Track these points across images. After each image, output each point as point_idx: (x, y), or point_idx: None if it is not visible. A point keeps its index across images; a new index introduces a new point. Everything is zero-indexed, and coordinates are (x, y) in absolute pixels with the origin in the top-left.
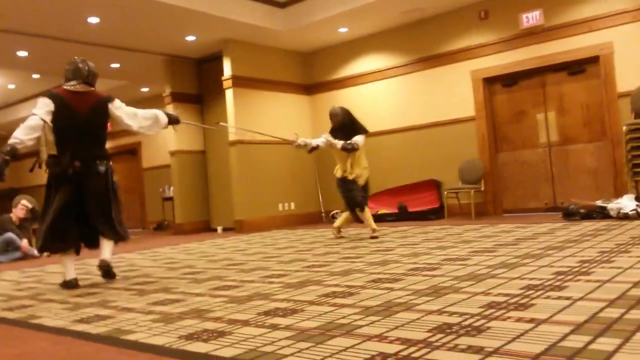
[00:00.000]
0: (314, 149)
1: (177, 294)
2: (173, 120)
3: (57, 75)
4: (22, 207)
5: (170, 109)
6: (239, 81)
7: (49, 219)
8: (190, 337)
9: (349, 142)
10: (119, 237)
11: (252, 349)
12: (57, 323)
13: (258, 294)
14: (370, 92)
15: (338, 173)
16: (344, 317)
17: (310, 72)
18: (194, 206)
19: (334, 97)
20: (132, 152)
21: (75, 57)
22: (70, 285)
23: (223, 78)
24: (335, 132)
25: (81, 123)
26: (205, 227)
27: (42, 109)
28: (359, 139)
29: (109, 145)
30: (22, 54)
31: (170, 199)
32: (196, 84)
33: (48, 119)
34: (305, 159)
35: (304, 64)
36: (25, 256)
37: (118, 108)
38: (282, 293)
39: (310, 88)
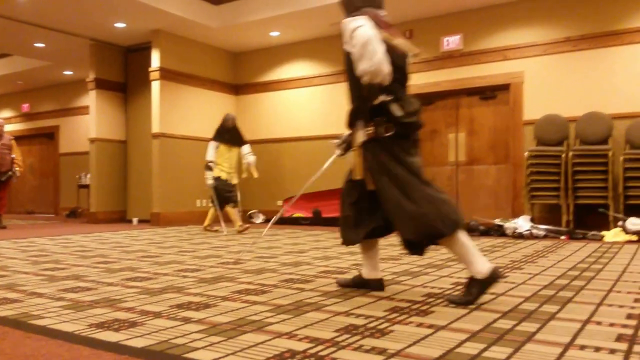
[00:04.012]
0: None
1: (89, 282)
2: None
3: None
4: None
5: (93, 95)
6: (166, 74)
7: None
8: (101, 326)
9: None
10: None
11: (164, 340)
12: None
13: (171, 287)
14: (295, 98)
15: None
16: (255, 314)
17: (238, 72)
18: (111, 195)
19: (260, 99)
20: (50, 135)
21: None
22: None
23: (150, 69)
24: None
25: (401, 62)
26: (120, 218)
27: (367, 22)
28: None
29: (25, 126)
30: None
31: (86, 186)
32: (122, 73)
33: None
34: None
35: (233, 63)
36: None
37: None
38: (196, 287)
39: (238, 88)
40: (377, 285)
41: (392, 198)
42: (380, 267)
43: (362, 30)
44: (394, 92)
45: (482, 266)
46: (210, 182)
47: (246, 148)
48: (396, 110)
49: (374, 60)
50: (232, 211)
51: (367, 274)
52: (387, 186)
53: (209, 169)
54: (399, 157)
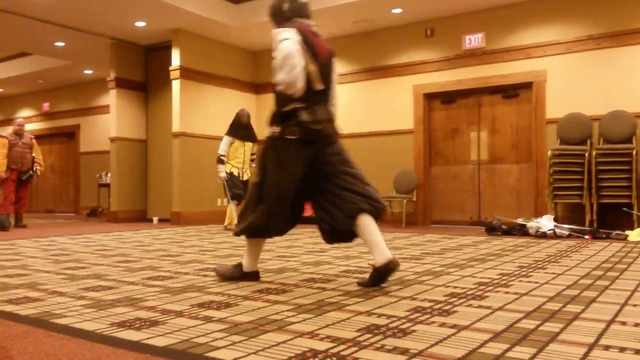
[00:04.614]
0: None
1: (110, 281)
2: None
3: None
4: None
5: (113, 94)
6: (186, 73)
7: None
8: (122, 325)
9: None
10: None
11: (185, 339)
12: None
13: (192, 286)
14: None
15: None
16: (277, 313)
17: (259, 71)
18: (131, 195)
19: None
20: (70, 135)
21: None
22: None
23: (171, 68)
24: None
25: (327, 74)
26: (140, 217)
27: (293, 36)
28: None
29: (45, 125)
30: None
31: (107, 185)
32: (142, 72)
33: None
34: None
35: (253, 62)
36: None
37: (335, 69)
38: (217, 286)
39: (258, 87)
40: (389, 267)
41: (255, 194)
42: (403, 265)
43: (286, 44)
44: (309, 100)
45: (250, 264)
46: (222, 174)
47: (255, 147)
48: (304, 116)
49: (292, 74)
50: (232, 209)
51: (377, 261)
52: (263, 182)
53: (221, 162)
54: (287, 163)
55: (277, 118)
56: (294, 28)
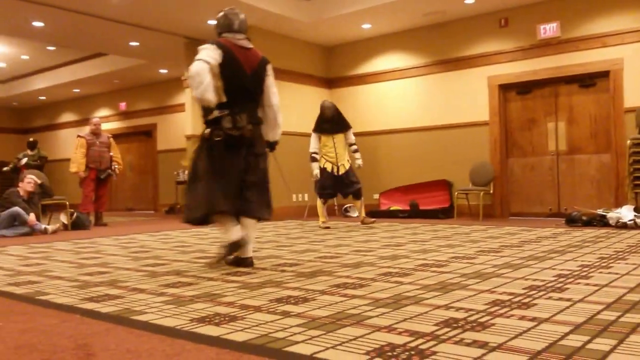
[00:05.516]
0: None
1: (189, 277)
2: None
3: (73, 48)
4: (29, 180)
5: (189, 93)
6: None
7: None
8: (202, 321)
9: None
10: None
11: (264, 334)
12: (66, 300)
13: (270, 282)
14: (389, 90)
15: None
16: (354, 308)
17: (331, 65)
18: None
19: (354, 92)
20: (147, 133)
21: (233, 8)
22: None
23: None
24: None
25: (248, 83)
26: None
27: (207, 56)
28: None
29: (123, 124)
30: (38, 24)
31: (184, 182)
32: None
33: (215, 63)
34: None
35: (325, 57)
36: (32, 231)
37: (270, 75)
38: (294, 282)
39: (331, 82)
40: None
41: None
42: (481, 258)
43: (195, 64)
44: (231, 107)
45: (234, 235)
46: (315, 172)
47: (350, 137)
48: (225, 123)
49: (199, 90)
50: (319, 206)
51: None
52: (193, 173)
53: (313, 160)
54: (216, 158)
55: (207, 123)
56: (216, 44)
